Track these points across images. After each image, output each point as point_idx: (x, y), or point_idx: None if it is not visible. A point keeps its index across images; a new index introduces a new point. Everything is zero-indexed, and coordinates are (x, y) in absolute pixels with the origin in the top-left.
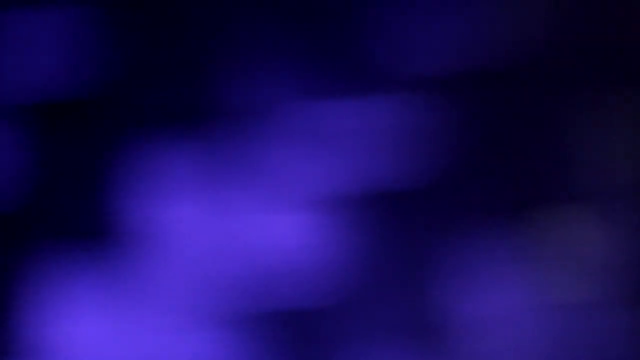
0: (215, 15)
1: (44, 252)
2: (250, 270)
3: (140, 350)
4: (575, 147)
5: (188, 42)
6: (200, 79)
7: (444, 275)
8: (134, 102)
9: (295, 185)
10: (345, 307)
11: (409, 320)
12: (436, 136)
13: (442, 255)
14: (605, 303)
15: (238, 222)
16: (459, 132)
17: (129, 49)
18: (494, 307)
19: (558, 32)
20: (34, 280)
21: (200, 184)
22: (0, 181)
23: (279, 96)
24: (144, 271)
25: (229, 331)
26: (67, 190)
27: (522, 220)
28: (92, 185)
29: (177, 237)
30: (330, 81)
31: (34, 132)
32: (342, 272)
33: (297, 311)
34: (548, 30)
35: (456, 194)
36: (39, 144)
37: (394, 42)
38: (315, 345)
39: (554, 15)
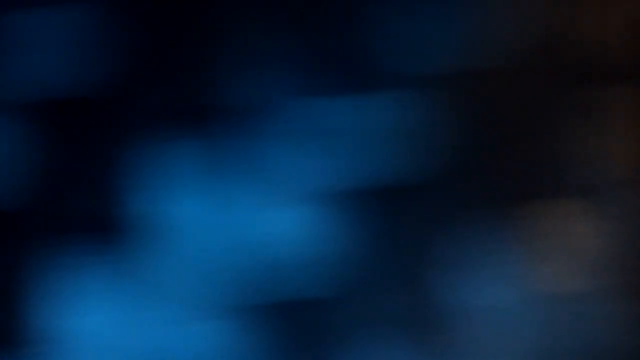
0: (217, 13)
1: (53, 246)
2: (254, 262)
3: (147, 342)
4: (569, 142)
5: (190, 40)
6: (203, 76)
7: (442, 267)
8: (138, 99)
9: (296, 180)
10: (345, 299)
11: (407, 311)
12: (433, 132)
13: (439, 248)
14: (599, 294)
15: (241, 215)
16: (455, 128)
17: (133, 47)
18: (490, 298)
19: (551, 30)
20: (43, 274)
21: (204, 179)
22: (11, 178)
23: (280, 94)
24: (151, 264)
25: (233, 322)
26: (74, 186)
27: (517, 214)
28: (98, 181)
29: (182, 231)
30: (330, 79)
31: (40, 130)
32: (343, 265)
33: (299, 302)
34: (541, 29)
35: (453, 189)
36: (47, 141)
37: (392, 40)
38: (317, 335)
39: (545, 14)
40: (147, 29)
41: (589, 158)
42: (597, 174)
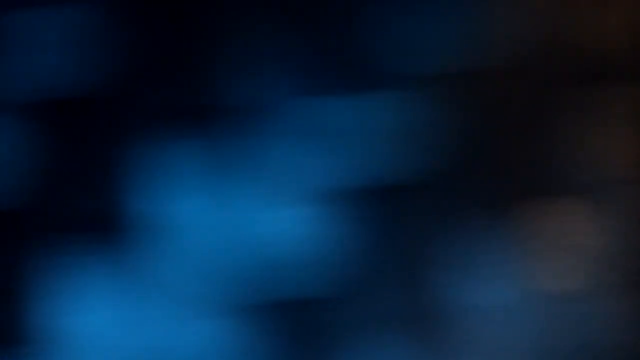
0: (217, 13)
1: (54, 245)
2: (254, 261)
3: (147, 340)
4: (569, 142)
5: (191, 40)
6: (204, 76)
7: (442, 266)
8: (138, 99)
9: (296, 179)
10: (346, 298)
11: (407, 310)
12: (433, 132)
13: (440, 247)
14: (598, 293)
15: (241, 215)
16: (455, 128)
17: (133, 47)
18: (491, 297)
19: (551, 30)
20: (44, 273)
21: (204, 178)
22: (11, 178)
23: (281, 93)
24: (151, 263)
25: (233, 321)
26: (74, 186)
27: (517, 213)
28: (100, 180)
29: (182, 230)
30: (330, 79)
31: (41, 130)
32: (343, 264)
33: (299, 301)
34: (541, 29)
35: (453, 188)
36: (47, 141)
37: (392, 40)
38: (317, 334)
39: (545, 14)
40: (147, 29)
41: (588, 158)
42: (597, 174)
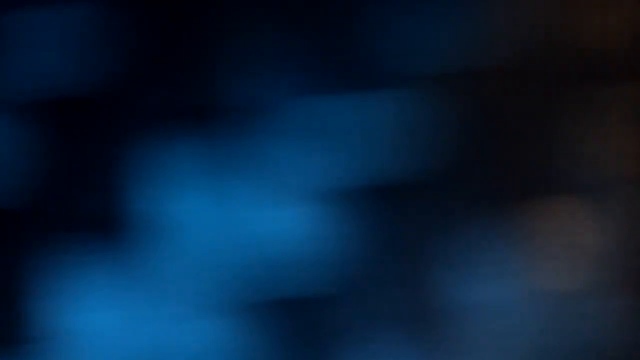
0: (217, 13)
1: (55, 244)
2: (255, 260)
3: (149, 339)
4: (569, 141)
5: (192, 39)
6: (205, 75)
7: (443, 265)
8: (138, 99)
9: (297, 178)
10: (347, 297)
11: (407, 309)
12: (433, 131)
13: (440, 246)
14: (599, 292)
15: (243, 214)
16: (455, 127)
17: (135, 46)
18: (491, 296)
19: (551, 30)
20: (45, 272)
21: (206, 177)
22: (12, 177)
23: (282, 92)
24: (153, 261)
25: (234, 320)
26: (75, 185)
27: (517, 212)
28: (100, 180)
29: (183, 230)
30: (331, 78)
31: (41, 129)
32: (344, 262)
33: (300, 300)
34: (541, 28)
35: (453, 187)
36: (47, 141)
37: (392, 40)
38: (318, 333)
39: (546, 14)
40: (147, 29)
41: (588, 157)
42: (597, 173)
